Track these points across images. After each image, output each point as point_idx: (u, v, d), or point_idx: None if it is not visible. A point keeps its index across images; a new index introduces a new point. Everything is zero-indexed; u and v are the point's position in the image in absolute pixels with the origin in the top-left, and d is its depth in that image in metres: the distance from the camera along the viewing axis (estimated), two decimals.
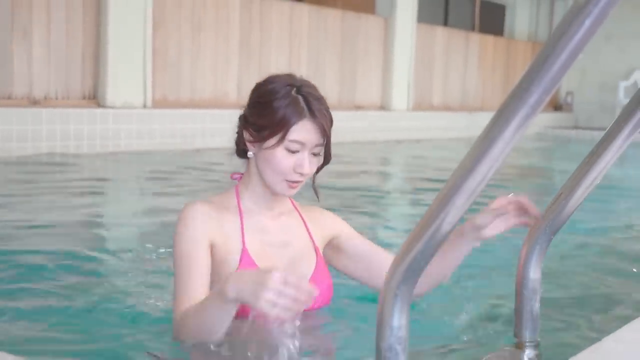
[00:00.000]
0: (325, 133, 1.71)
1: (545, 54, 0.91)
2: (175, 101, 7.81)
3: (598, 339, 1.57)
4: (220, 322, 1.51)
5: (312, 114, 1.69)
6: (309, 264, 1.86)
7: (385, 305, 1.10)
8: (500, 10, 14.53)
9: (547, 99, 0.99)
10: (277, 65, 8.84)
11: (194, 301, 1.63)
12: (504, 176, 6.05)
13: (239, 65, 8.48)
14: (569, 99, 14.69)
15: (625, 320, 1.84)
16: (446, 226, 1.08)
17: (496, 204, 1.66)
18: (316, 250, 1.89)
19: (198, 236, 1.71)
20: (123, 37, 7.03)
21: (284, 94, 1.71)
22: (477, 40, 12.93)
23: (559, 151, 10.77)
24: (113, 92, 7.02)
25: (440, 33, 11.93)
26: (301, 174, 1.72)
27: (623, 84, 12.98)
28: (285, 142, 1.69)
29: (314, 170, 1.75)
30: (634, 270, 3.20)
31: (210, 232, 1.74)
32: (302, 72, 9.36)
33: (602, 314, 2.46)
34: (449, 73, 12.17)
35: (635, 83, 12.82)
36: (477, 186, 1.05)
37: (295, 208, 1.93)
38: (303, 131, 1.69)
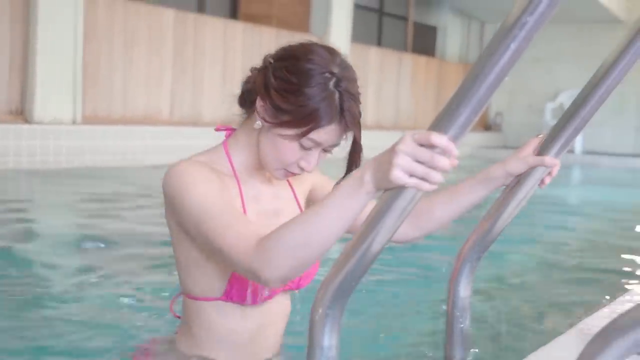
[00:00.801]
0: (347, 135, 1.50)
1: (473, 75, 0.92)
2: (106, 117, 7.67)
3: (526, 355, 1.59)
4: (345, 222, 1.17)
5: (343, 117, 1.46)
6: None
7: (315, 325, 1.09)
8: (432, 31, 14.81)
9: (475, 119, 1.00)
10: (210, 82, 8.79)
11: (256, 233, 1.32)
12: None
13: (172, 81, 8.39)
14: (498, 120, 15.03)
15: (555, 335, 1.87)
16: (376, 246, 1.08)
17: (530, 147, 1.54)
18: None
19: (210, 187, 1.44)
20: (52, 50, 6.87)
21: (320, 83, 1.44)
22: (410, 60, 13.14)
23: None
24: (41, 107, 6.84)
25: (373, 53, 12.08)
26: (302, 169, 1.52)
27: (550, 106, 13.35)
28: (303, 139, 1.47)
29: (318, 163, 1.54)
30: (563, 286, 3.28)
31: (217, 188, 1.47)
32: (236, 89, 9.32)
33: (532, 330, 2.51)
34: (382, 92, 12.32)
35: (561, 105, 13.21)
36: (408, 205, 1.06)
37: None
38: (326, 134, 1.47)
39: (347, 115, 1.45)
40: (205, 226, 1.39)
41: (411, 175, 1.03)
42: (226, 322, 1.57)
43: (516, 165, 1.53)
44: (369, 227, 1.07)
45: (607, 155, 12.76)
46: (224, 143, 1.60)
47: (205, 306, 1.56)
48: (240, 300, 1.54)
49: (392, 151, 1.05)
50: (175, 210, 1.47)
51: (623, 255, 4.20)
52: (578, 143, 12.45)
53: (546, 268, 3.72)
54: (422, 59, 13.53)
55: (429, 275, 3.15)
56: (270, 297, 1.59)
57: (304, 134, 1.44)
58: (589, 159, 12.11)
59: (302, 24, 10.55)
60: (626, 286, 3.27)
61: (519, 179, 1.50)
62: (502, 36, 0.89)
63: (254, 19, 10.11)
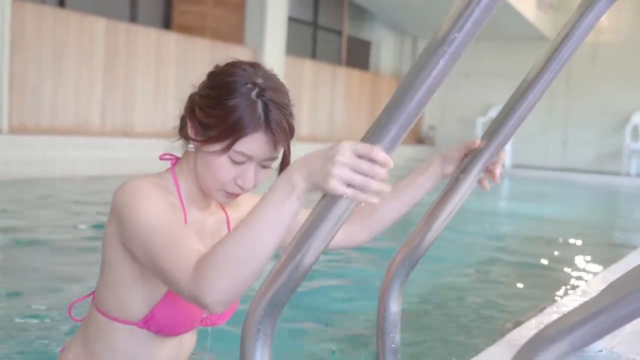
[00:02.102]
0: (279, 147, 1.46)
1: (402, 90, 0.93)
2: (34, 127, 7.47)
3: None
4: (279, 230, 1.14)
5: (269, 126, 1.42)
6: None
7: (247, 341, 1.07)
8: (366, 46, 14.97)
9: (404, 134, 1.01)
10: (143, 93, 8.67)
11: (200, 254, 1.27)
12: None
13: (103, 92, 8.24)
14: (431, 133, 15.26)
15: (485, 346, 1.89)
16: (309, 258, 1.07)
17: (465, 144, 1.56)
18: None
19: (164, 207, 1.38)
20: None
21: (241, 93, 1.42)
22: (344, 74, 13.24)
23: None
24: None
25: (308, 66, 12.12)
26: (241, 188, 1.47)
27: (480, 120, 13.64)
28: (231, 152, 1.42)
29: (259, 182, 1.50)
30: (493, 297, 3.33)
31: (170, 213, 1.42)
32: (169, 100, 9.26)
33: (462, 342, 2.53)
34: (317, 105, 12.36)
35: (491, 119, 13.48)
36: (341, 216, 1.05)
37: (220, 206, 1.66)
38: (254, 144, 1.42)
39: (273, 124, 1.42)
40: (152, 244, 1.34)
41: (349, 185, 1.04)
42: (135, 348, 1.52)
43: (451, 152, 1.56)
44: (302, 240, 1.06)
45: (535, 169, 13.09)
46: (172, 170, 1.55)
47: (116, 327, 1.51)
48: (158, 330, 1.49)
49: (328, 160, 1.05)
50: (122, 224, 1.41)
51: (551, 267, 4.30)
52: (507, 157, 12.73)
53: (476, 280, 3.78)
54: (356, 73, 13.65)
55: (364, 288, 3.16)
56: (188, 330, 1.56)
57: (229, 146, 1.42)
58: (518, 173, 12.40)
59: (237, 36, 10.51)
60: (554, 297, 3.35)
61: (444, 194, 1.52)
62: (430, 52, 0.90)
63: (187, 30, 10.04)
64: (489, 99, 14.06)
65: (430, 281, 3.53)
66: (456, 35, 0.87)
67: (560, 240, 5.52)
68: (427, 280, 3.49)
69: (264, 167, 1.47)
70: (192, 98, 1.50)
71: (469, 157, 1.54)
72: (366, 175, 1.03)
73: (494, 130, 1.51)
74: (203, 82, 1.50)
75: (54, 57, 7.64)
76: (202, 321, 1.55)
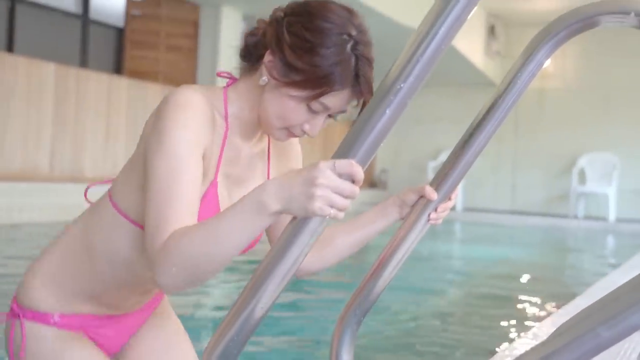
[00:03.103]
0: (358, 103, 1.40)
1: (350, 141, 0.93)
2: None
3: None
4: (247, 238, 1.14)
5: (358, 82, 1.36)
6: None
7: None
8: None
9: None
10: (93, 138, 8.58)
11: (182, 224, 1.24)
12: None
13: (52, 136, 8.13)
14: (383, 177, 15.38)
15: None
16: (259, 311, 1.06)
17: (420, 189, 1.57)
18: None
19: (197, 140, 1.32)
20: None
21: (336, 44, 1.33)
22: None
23: None
24: None
25: None
26: (306, 133, 1.42)
27: (432, 164, 13.81)
28: (312, 102, 1.37)
29: (321, 129, 1.45)
30: (446, 340, 3.33)
31: (205, 139, 1.35)
32: (120, 144, 9.18)
33: None
34: None
35: (442, 163, 13.65)
36: (290, 268, 1.05)
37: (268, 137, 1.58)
38: (338, 98, 1.37)
39: (362, 81, 1.36)
40: (155, 174, 1.28)
41: (331, 206, 1.04)
42: (135, 256, 1.45)
43: (408, 195, 1.57)
44: (251, 292, 1.05)
45: (486, 212, 13.26)
46: (224, 89, 1.46)
47: (125, 226, 1.44)
48: None
49: (309, 183, 1.05)
50: (154, 127, 1.34)
51: (502, 310, 4.33)
52: (459, 201, 12.88)
53: (428, 325, 3.78)
54: None
55: (317, 334, 3.13)
56: None
57: (314, 97, 1.35)
58: (469, 216, 12.54)
59: (189, 81, 10.52)
60: (505, 341, 3.36)
61: (393, 239, 1.52)
62: (377, 102, 0.91)
63: (139, 75, 10.01)
64: (439, 143, 14.27)
65: (382, 324, 3.52)
66: (402, 85, 0.88)
67: (511, 282, 5.57)
68: (379, 323, 3.48)
69: (331, 116, 1.43)
70: (276, 28, 1.38)
71: (422, 200, 1.55)
72: (347, 196, 1.04)
73: (443, 174, 1.53)
74: (290, 13, 1.38)
75: (1, 101, 7.52)
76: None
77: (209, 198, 1.39)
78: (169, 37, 10.49)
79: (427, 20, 0.93)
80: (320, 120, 1.40)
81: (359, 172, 1.01)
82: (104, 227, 1.47)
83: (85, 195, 1.60)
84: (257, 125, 1.47)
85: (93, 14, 9.89)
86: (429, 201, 1.51)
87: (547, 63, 1.46)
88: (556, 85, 13.38)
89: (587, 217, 12.46)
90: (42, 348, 1.50)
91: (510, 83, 1.45)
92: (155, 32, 10.48)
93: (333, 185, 1.03)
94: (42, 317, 1.51)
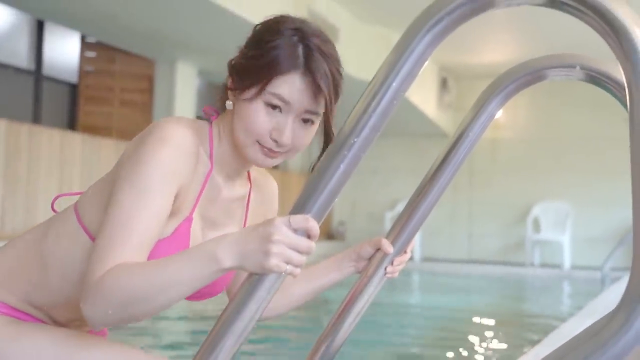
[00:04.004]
0: (320, 100, 1.33)
1: (306, 194, 0.93)
2: None
3: None
4: (192, 288, 1.10)
5: (308, 68, 1.31)
6: None
7: None
8: None
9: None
10: (46, 194, 8.44)
11: (130, 259, 1.19)
12: None
13: (2, 195, 7.98)
14: (341, 228, 15.38)
15: None
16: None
17: (376, 242, 1.57)
18: None
19: (171, 178, 1.28)
20: None
21: (284, 36, 1.34)
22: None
23: None
24: None
25: None
26: (277, 142, 1.34)
27: (389, 215, 13.88)
28: (265, 94, 1.32)
29: (301, 142, 1.37)
30: None
31: (182, 177, 1.31)
32: (74, 201, 9.02)
33: None
34: None
35: (399, 213, 13.71)
36: (247, 325, 1.04)
37: (249, 180, 1.54)
38: (290, 86, 1.32)
39: (314, 66, 1.31)
40: (121, 199, 1.24)
41: (287, 262, 1.03)
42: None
43: (366, 247, 1.56)
44: (207, 350, 1.03)
45: (443, 262, 13.32)
46: (210, 126, 1.44)
47: (86, 242, 1.39)
48: None
49: (265, 239, 1.03)
50: (131, 155, 1.31)
51: (461, 359, 4.31)
52: (416, 250, 12.93)
53: None
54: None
55: None
56: None
57: (264, 85, 1.32)
58: (427, 266, 12.58)
59: None
60: None
61: (352, 293, 1.51)
62: (332, 156, 0.91)
63: (93, 130, 9.94)
64: (396, 193, 14.36)
65: None
66: (355, 139, 0.89)
67: (469, 331, 5.57)
68: None
69: (305, 121, 1.37)
70: (230, 62, 1.42)
71: (378, 253, 1.55)
72: (303, 252, 1.03)
73: (400, 225, 1.54)
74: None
75: None
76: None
77: (180, 232, 1.35)
78: (124, 92, 10.47)
79: (379, 75, 0.94)
80: (287, 124, 1.34)
81: (315, 228, 1.01)
82: (63, 236, 1.42)
83: (52, 205, 1.56)
84: (241, 168, 1.46)
85: (46, 70, 9.84)
86: (386, 254, 1.52)
87: (499, 114, 1.49)
88: (508, 135, 13.65)
89: (543, 265, 12.60)
90: None
91: (462, 135, 1.48)
92: (110, 88, 10.45)
93: (288, 242, 1.02)
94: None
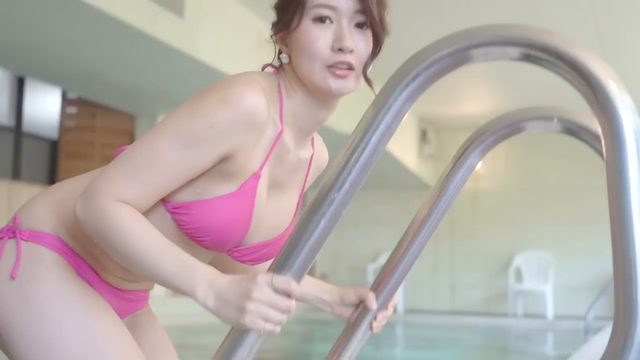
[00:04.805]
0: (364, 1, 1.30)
1: (287, 253, 0.93)
2: None
3: None
4: (165, 286, 1.15)
5: None
6: (287, 221, 1.48)
7: None
8: None
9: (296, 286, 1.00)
10: None
11: (140, 200, 1.20)
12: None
13: None
14: (323, 281, 15.30)
15: None
16: None
17: (362, 293, 1.55)
18: (298, 205, 1.53)
19: (224, 138, 1.24)
20: None
21: None
22: None
23: (319, 332, 11.03)
24: None
25: None
26: (342, 51, 1.29)
27: (371, 267, 13.83)
28: (309, 11, 1.29)
29: (363, 47, 1.31)
30: None
31: (240, 144, 1.27)
32: None
33: None
34: None
35: (382, 266, 13.66)
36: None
37: (312, 146, 1.51)
38: None
39: None
40: (160, 133, 1.26)
41: (266, 320, 1.04)
42: None
43: (350, 294, 1.56)
44: None
45: (426, 313, 13.24)
46: (278, 83, 1.38)
47: None
48: (184, 224, 1.34)
49: (244, 296, 1.04)
50: (191, 99, 1.29)
51: None
52: (400, 303, 12.86)
53: None
54: None
55: None
56: None
57: (304, 4, 1.30)
58: (410, 318, 12.50)
59: None
60: None
61: (335, 348, 1.49)
62: (312, 212, 0.91)
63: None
64: (378, 245, 14.34)
65: None
66: (336, 195, 0.89)
67: None
68: None
69: (359, 26, 1.32)
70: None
71: (362, 307, 1.54)
72: (282, 311, 1.04)
73: (383, 277, 1.53)
74: None
75: None
76: (230, 250, 1.39)
77: (247, 188, 1.32)
78: (104, 147, 10.46)
79: (358, 130, 0.94)
80: (343, 28, 1.30)
81: (295, 290, 1.02)
82: None
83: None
84: (310, 124, 1.41)
85: (26, 126, 9.83)
86: (369, 309, 1.50)
87: (479, 166, 1.50)
88: (488, 185, 13.74)
89: (526, 315, 12.57)
90: (36, 270, 1.33)
91: (443, 187, 1.48)
92: (90, 143, 10.44)
93: (267, 301, 1.02)
94: (41, 238, 1.37)
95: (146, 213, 1.29)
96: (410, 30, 7.11)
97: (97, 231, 1.19)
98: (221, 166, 1.29)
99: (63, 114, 10.40)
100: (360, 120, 0.93)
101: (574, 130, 1.21)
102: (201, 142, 1.23)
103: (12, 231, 1.41)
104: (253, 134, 1.28)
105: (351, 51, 1.30)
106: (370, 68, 1.35)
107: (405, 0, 6.80)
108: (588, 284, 12.56)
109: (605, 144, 0.86)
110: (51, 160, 10.25)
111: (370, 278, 13.33)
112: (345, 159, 0.89)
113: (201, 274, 1.10)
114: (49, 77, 8.20)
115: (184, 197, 1.30)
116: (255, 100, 1.26)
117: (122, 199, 1.20)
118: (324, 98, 1.35)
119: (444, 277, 14.02)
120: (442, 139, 13.88)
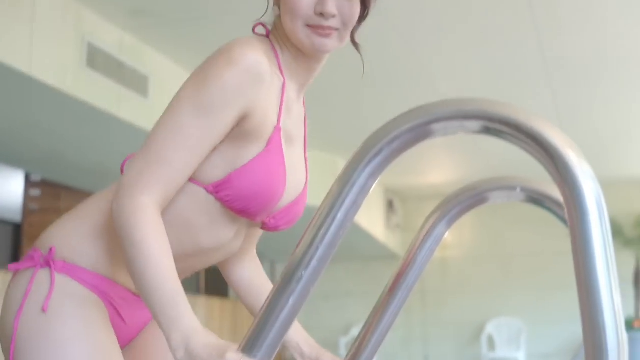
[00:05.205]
0: None
1: (256, 332, 0.92)
2: None
3: None
4: (149, 308, 1.16)
5: None
6: (304, 174, 1.52)
7: None
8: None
9: None
10: None
11: (171, 185, 1.24)
12: None
13: None
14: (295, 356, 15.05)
15: None
16: None
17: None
18: (306, 159, 1.57)
19: (237, 97, 1.27)
20: None
21: None
22: (204, 303, 13.06)
23: None
24: None
25: None
26: (322, 15, 1.33)
27: (343, 340, 13.67)
28: None
29: (347, 12, 1.36)
30: None
31: (253, 101, 1.30)
32: None
33: None
34: None
35: (354, 339, 13.50)
36: None
37: (303, 103, 1.56)
38: None
39: None
40: (182, 108, 1.27)
41: None
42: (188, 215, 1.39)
43: (326, 357, 1.64)
44: None
45: None
46: (270, 41, 1.43)
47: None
48: (228, 200, 1.36)
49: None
50: (197, 72, 1.32)
51: None
52: None
53: None
54: (217, 301, 13.51)
55: None
56: None
57: None
58: None
59: None
60: None
61: None
62: (280, 291, 0.90)
63: None
64: (349, 318, 14.21)
65: None
66: (303, 273, 0.88)
67: None
68: None
69: None
70: None
71: None
72: None
73: (356, 351, 1.51)
74: None
75: None
76: (267, 217, 1.42)
77: (273, 142, 1.36)
78: None
79: (324, 207, 0.95)
80: None
81: None
82: None
83: (121, 168, 1.49)
84: (306, 74, 1.46)
85: None
86: None
87: (446, 235, 1.51)
88: (457, 254, 13.79)
89: None
90: (66, 305, 1.31)
91: (412, 258, 1.48)
92: None
93: None
94: (75, 272, 1.35)
95: (191, 204, 1.33)
96: (373, 102, 7.22)
97: (121, 229, 1.21)
98: (242, 128, 1.32)
99: (26, 196, 10.29)
100: (326, 197, 0.93)
101: (537, 199, 1.23)
102: (218, 106, 1.26)
103: (47, 261, 1.40)
104: (263, 88, 1.31)
105: (333, 16, 1.35)
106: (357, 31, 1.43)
107: (367, 73, 6.92)
108: (560, 350, 12.54)
109: (568, 213, 0.87)
110: (14, 244, 10.07)
111: (343, 352, 13.15)
112: (311, 236, 0.89)
113: (184, 324, 1.11)
114: (12, 160, 8.14)
115: (220, 172, 1.33)
116: (257, 55, 1.31)
117: (153, 190, 1.23)
118: (310, 53, 1.41)
119: (417, 349, 13.88)
120: (409, 209, 13.96)
